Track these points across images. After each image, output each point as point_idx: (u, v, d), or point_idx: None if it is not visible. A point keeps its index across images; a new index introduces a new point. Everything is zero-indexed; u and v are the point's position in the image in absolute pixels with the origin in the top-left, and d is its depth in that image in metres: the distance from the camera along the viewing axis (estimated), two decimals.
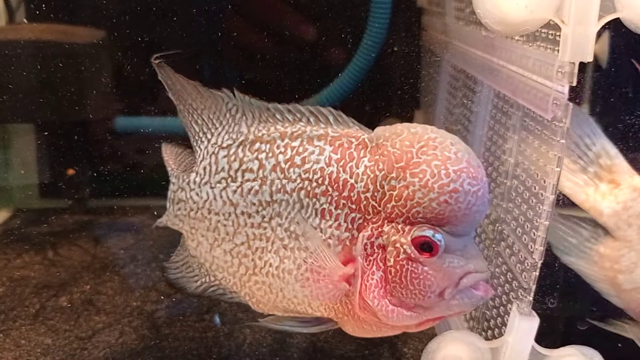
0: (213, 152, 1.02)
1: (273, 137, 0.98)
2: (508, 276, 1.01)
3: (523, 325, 0.92)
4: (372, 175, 0.90)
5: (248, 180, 0.98)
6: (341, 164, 0.93)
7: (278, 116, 1.00)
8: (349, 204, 0.92)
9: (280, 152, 0.96)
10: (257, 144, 0.99)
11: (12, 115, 1.82)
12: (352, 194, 0.91)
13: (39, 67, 1.75)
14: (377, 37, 1.79)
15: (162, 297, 1.45)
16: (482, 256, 0.91)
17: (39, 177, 1.96)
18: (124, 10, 1.77)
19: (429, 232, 0.86)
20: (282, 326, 1.04)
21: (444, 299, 0.88)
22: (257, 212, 0.98)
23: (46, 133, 1.91)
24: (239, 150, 1.00)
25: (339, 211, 0.92)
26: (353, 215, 0.92)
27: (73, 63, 1.79)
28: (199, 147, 1.04)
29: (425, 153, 0.86)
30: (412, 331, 0.97)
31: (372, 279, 0.90)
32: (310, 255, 0.94)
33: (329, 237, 0.93)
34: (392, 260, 0.88)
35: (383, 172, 0.89)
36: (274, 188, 0.96)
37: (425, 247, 0.86)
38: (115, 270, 1.58)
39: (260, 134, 0.99)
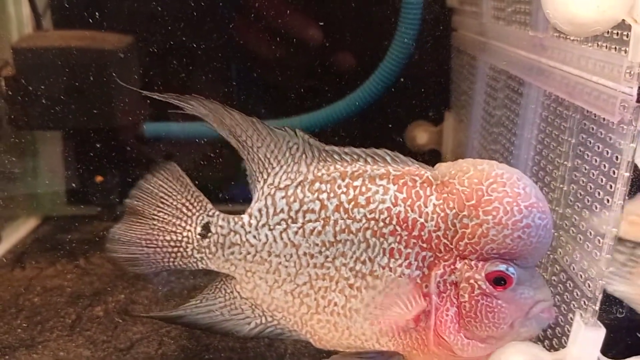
0: (269, 194, 1.01)
1: (333, 177, 0.98)
2: (568, 285, 0.97)
3: (588, 336, 0.89)
4: (442, 214, 0.91)
5: (310, 221, 0.98)
6: (408, 203, 0.93)
7: (336, 157, 0.99)
8: (420, 243, 0.92)
9: (343, 192, 0.96)
10: (317, 184, 0.98)
11: (41, 122, 1.80)
12: (422, 233, 0.92)
13: (66, 73, 1.74)
14: (407, 38, 1.76)
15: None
16: (546, 284, 0.93)
17: (67, 184, 1.94)
18: (152, 14, 1.76)
19: (502, 267, 0.88)
20: None
21: (514, 329, 0.90)
22: (320, 252, 0.98)
23: (75, 140, 1.90)
24: (298, 190, 0.99)
25: (409, 250, 0.93)
26: (424, 254, 0.92)
27: (101, 69, 1.77)
28: (254, 186, 1.03)
29: (496, 190, 0.87)
30: None
31: (447, 315, 0.91)
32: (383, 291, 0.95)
33: (400, 276, 0.94)
34: (466, 296, 0.90)
35: (454, 211, 0.90)
36: (337, 228, 0.96)
37: (499, 281, 0.88)
38: (149, 279, 1.55)
39: (319, 174, 0.99)
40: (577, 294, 0.94)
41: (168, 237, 1.08)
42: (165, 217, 1.09)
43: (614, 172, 0.85)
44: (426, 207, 0.92)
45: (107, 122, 1.82)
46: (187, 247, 1.07)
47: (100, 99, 1.79)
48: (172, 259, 1.08)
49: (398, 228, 0.93)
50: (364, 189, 0.96)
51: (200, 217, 1.06)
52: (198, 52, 1.77)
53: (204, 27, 1.77)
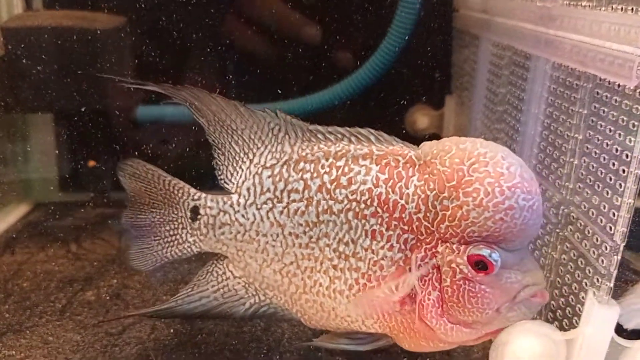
0: (256, 173, 1.00)
1: (317, 157, 0.96)
2: (579, 262, 0.93)
3: (602, 315, 0.84)
4: (422, 196, 0.87)
5: (294, 200, 0.96)
6: (390, 184, 0.90)
7: (319, 136, 0.98)
8: (401, 225, 0.90)
9: (326, 172, 0.95)
10: (302, 164, 0.97)
11: (31, 105, 1.75)
12: (403, 215, 0.89)
13: (57, 54, 1.69)
14: (407, 21, 1.71)
15: None
16: (538, 267, 0.89)
17: (59, 170, 1.89)
18: None
19: (485, 252, 0.84)
20: (337, 345, 1.03)
21: (501, 313, 0.86)
22: (305, 232, 0.96)
23: (66, 123, 1.85)
24: (284, 170, 0.98)
25: (390, 232, 0.90)
26: (405, 236, 0.90)
27: (93, 50, 1.72)
28: (240, 167, 1.02)
29: (477, 170, 0.83)
30: (470, 344, 0.96)
31: (429, 299, 0.88)
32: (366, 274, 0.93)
33: (382, 258, 0.92)
34: (448, 280, 0.86)
35: (434, 192, 0.86)
36: (320, 209, 0.95)
37: (482, 265, 0.84)
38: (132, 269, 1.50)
39: (304, 154, 0.97)
40: (589, 272, 0.89)
41: (167, 227, 1.08)
42: (159, 206, 1.09)
43: (630, 141, 0.80)
44: (407, 188, 0.89)
45: (100, 104, 1.77)
46: (182, 232, 1.07)
47: (92, 81, 1.74)
48: (170, 248, 1.08)
49: (379, 210, 0.91)
50: (346, 169, 0.94)
51: (186, 203, 1.06)
52: (191, 31, 1.72)
53: (197, 6, 1.72)
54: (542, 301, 0.88)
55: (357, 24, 1.79)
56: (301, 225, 0.97)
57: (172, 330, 1.23)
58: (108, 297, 1.36)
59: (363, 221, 0.92)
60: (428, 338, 0.93)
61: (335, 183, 0.94)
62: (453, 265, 0.86)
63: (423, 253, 0.89)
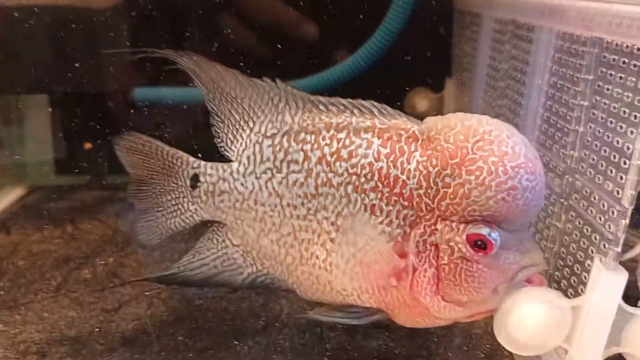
0: (257, 141, 0.98)
1: (318, 128, 0.94)
2: (585, 230, 0.91)
3: (609, 281, 0.82)
4: (424, 172, 0.86)
5: (293, 171, 0.95)
6: (391, 159, 0.88)
7: (321, 107, 0.96)
8: (401, 201, 0.88)
9: (326, 144, 0.93)
10: (302, 134, 0.95)
11: (26, 86, 1.73)
12: (404, 191, 0.87)
13: (51, 34, 1.66)
14: (406, 3, 1.69)
15: None
16: (538, 248, 0.87)
17: (55, 152, 1.87)
18: None
19: (484, 231, 0.82)
20: (332, 318, 1.01)
21: (497, 294, 0.85)
22: (303, 204, 0.94)
23: (62, 105, 1.82)
24: (284, 140, 0.96)
25: (390, 208, 0.89)
26: (405, 212, 0.88)
27: (88, 29, 1.69)
28: (240, 136, 1.00)
29: (481, 148, 0.81)
30: (464, 322, 0.94)
31: (425, 276, 0.87)
32: (363, 248, 0.91)
33: (380, 233, 0.90)
34: (445, 258, 0.85)
35: (437, 169, 0.84)
36: (319, 181, 0.93)
37: (481, 245, 0.82)
38: (140, 243, 1.48)
39: (305, 124, 0.95)
40: (596, 238, 0.87)
41: (169, 197, 1.07)
42: (159, 177, 1.07)
43: (638, 101, 0.78)
44: (409, 163, 0.87)
45: (96, 86, 1.75)
46: (183, 201, 1.05)
47: (88, 61, 1.72)
48: (174, 219, 1.07)
49: (379, 184, 0.89)
50: (347, 141, 0.92)
51: (186, 172, 1.04)
52: (189, 10, 1.70)
53: None
54: (540, 285, 0.88)
55: (356, 7, 1.77)
56: (300, 196, 0.95)
57: (169, 306, 1.22)
58: (104, 275, 1.34)
59: (362, 195, 0.91)
60: (423, 314, 0.92)
61: (335, 155, 0.92)
62: (452, 243, 0.84)
63: (422, 230, 0.87)
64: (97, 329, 1.13)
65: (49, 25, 1.66)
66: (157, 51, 1.01)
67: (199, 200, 1.03)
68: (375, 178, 0.89)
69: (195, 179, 1.04)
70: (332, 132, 0.93)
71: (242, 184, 0.99)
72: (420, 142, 0.88)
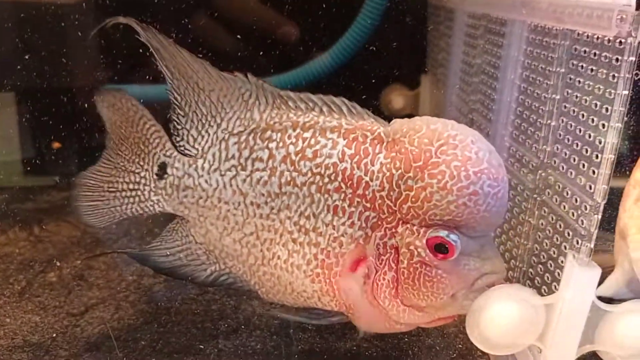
0: (223, 139, 0.95)
1: (285, 126, 0.92)
2: (558, 226, 0.89)
3: (582, 277, 0.81)
4: (387, 174, 0.84)
5: (258, 169, 0.92)
6: (355, 160, 0.86)
7: (290, 103, 0.93)
8: (364, 202, 0.86)
9: (292, 143, 0.91)
10: (269, 132, 0.93)
11: None
12: (367, 192, 0.85)
13: (19, 28, 1.62)
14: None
15: None
16: (499, 256, 0.86)
17: (22, 152, 1.82)
18: None
19: (443, 233, 0.80)
20: (293, 317, 1.01)
21: (457, 300, 0.83)
22: (266, 203, 0.92)
23: (29, 103, 1.77)
24: (250, 137, 0.93)
25: (352, 209, 0.87)
26: (367, 213, 0.86)
27: (58, 25, 1.65)
28: (206, 131, 0.97)
29: (445, 152, 0.80)
30: (424, 327, 0.93)
31: (384, 279, 0.85)
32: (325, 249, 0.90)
33: (342, 235, 0.88)
34: (405, 262, 0.83)
35: (400, 171, 0.83)
36: (283, 180, 0.91)
37: (441, 249, 0.81)
38: (108, 245, 1.44)
39: (272, 122, 0.93)
40: (569, 234, 0.86)
41: (128, 179, 1.03)
42: (124, 152, 1.03)
43: (610, 93, 0.77)
44: (373, 165, 0.86)
45: (64, 83, 1.70)
46: (144, 189, 1.01)
47: (57, 57, 1.67)
48: (130, 204, 1.03)
49: (343, 185, 0.87)
50: (312, 141, 0.90)
51: (157, 156, 1.00)
52: (163, 4, 1.66)
53: None
54: None
55: (328, 3, 1.74)
56: (263, 195, 0.93)
57: (137, 310, 1.18)
58: (71, 278, 1.30)
59: (326, 196, 0.89)
60: (383, 319, 0.90)
61: (300, 155, 0.90)
62: (411, 247, 0.83)
63: (383, 232, 0.86)
64: (60, 334, 1.09)
65: (15, 20, 1.61)
66: (118, 19, 0.98)
67: (163, 192, 1.00)
68: (339, 179, 0.88)
69: (162, 168, 1.00)
70: (298, 130, 0.91)
71: (206, 181, 0.96)
72: (385, 144, 0.86)
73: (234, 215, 0.95)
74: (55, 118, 1.73)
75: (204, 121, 0.97)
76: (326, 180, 0.88)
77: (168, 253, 1.02)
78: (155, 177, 1.00)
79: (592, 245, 0.81)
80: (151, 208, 1.02)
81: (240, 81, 0.95)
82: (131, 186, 1.02)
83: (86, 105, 1.74)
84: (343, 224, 0.88)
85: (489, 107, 1.22)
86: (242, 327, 1.12)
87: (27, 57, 1.64)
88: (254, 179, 0.93)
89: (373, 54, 1.74)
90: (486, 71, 1.25)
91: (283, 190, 0.91)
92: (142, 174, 1.01)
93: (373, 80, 1.81)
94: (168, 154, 0.99)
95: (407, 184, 0.82)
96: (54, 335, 1.09)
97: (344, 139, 0.88)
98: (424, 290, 0.83)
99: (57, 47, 1.66)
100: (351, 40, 1.72)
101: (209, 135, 0.97)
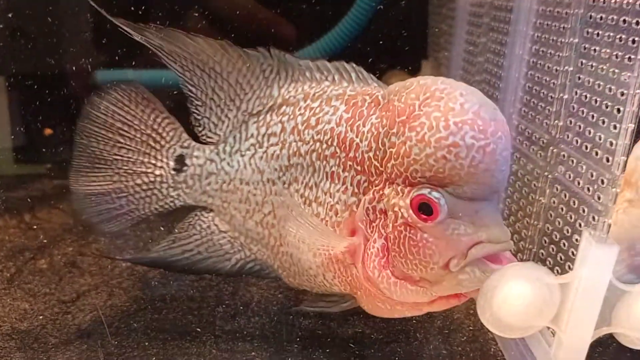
0: (243, 120, 0.93)
1: (297, 99, 0.90)
2: (572, 203, 0.85)
3: (600, 255, 0.76)
4: (375, 133, 0.79)
5: (272, 144, 0.90)
6: (350, 123, 0.82)
7: (308, 74, 0.91)
8: (355, 165, 0.81)
9: (300, 114, 0.88)
10: (284, 107, 0.90)
11: None
12: (357, 154, 0.81)
13: (10, 13, 1.57)
14: None
15: None
16: (500, 224, 0.76)
17: (13, 139, 1.77)
18: None
19: (425, 190, 0.73)
20: (315, 308, 0.97)
21: (450, 272, 0.75)
22: (279, 178, 0.89)
23: (19, 88, 1.72)
24: (268, 115, 0.91)
25: (346, 174, 0.82)
26: (359, 177, 0.81)
27: (50, 7, 1.60)
28: (226, 116, 0.94)
29: (428, 105, 0.73)
30: (428, 311, 0.85)
31: (374, 247, 0.78)
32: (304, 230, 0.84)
33: (337, 202, 0.83)
34: (390, 225, 0.76)
35: (385, 129, 0.77)
36: (291, 151, 0.88)
37: (424, 209, 0.73)
38: (101, 232, 1.40)
39: (287, 96, 0.91)
40: (584, 211, 0.81)
41: (139, 181, 0.97)
42: (131, 155, 0.97)
43: (630, 59, 0.73)
44: (364, 126, 0.81)
45: (56, 68, 1.66)
46: (161, 187, 0.97)
47: (48, 42, 1.63)
48: (147, 204, 0.99)
49: (338, 150, 0.83)
50: (318, 110, 0.87)
51: (172, 150, 0.96)
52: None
53: None
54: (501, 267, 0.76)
55: None
56: (276, 170, 0.89)
57: (131, 296, 1.14)
58: (62, 265, 1.25)
59: (324, 162, 0.85)
60: (381, 297, 0.83)
61: (305, 124, 0.87)
62: (396, 208, 0.76)
63: (372, 196, 0.79)
64: (50, 321, 1.05)
65: (4, 4, 1.56)
66: (113, 20, 0.92)
67: (184, 185, 0.96)
68: (335, 143, 0.84)
69: (179, 161, 0.96)
70: (308, 101, 0.89)
71: (228, 163, 0.93)
72: (380, 106, 0.82)
73: (254, 196, 0.92)
74: (46, 104, 1.69)
75: (222, 106, 0.94)
76: (324, 146, 0.85)
77: (184, 250, 0.98)
78: (172, 172, 0.96)
79: (610, 221, 0.77)
80: (171, 204, 0.98)
81: (262, 56, 0.92)
82: (144, 187, 0.98)
83: (78, 90, 1.71)
84: (338, 190, 0.84)
85: (495, 86, 1.17)
86: (241, 313, 1.08)
87: (17, 42, 1.60)
88: (269, 155, 0.90)
89: (373, 39, 1.70)
90: (492, 49, 1.21)
91: (291, 162, 0.87)
92: (157, 172, 0.97)
93: (372, 66, 1.76)
94: (185, 144, 0.96)
95: (391, 140, 0.76)
96: (44, 322, 1.05)
97: (345, 105, 0.85)
98: (411, 258, 0.75)
99: (49, 31, 1.62)
100: (347, 27, 1.68)
101: (229, 119, 0.94)
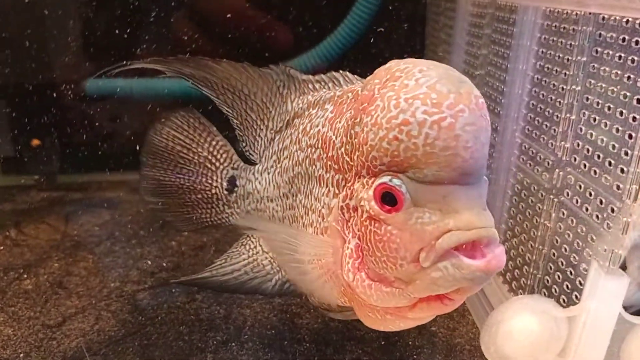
0: (272, 138, 0.92)
1: (303, 109, 0.88)
2: (579, 230, 0.81)
3: (609, 287, 0.73)
4: (346, 127, 0.73)
5: (285, 158, 0.87)
6: (331, 122, 0.77)
7: (310, 86, 0.90)
8: (333, 164, 0.75)
9: (302, 123, 0.86)
10: (295, 120, 0.89)
11: None
12: (333, 153, 0.75)
13: None
14: None
15: (145, 276, 1.24)
16: (476, 209, 0.64)
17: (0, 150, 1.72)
18: None
19: (386, 178, 0.64)
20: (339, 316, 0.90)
21: (421, 268, 0.64)
22: (290, 191, 0.86)
23: (6, 98, 1.68)
24: (285, 130, 0.90)
25: (328, 175, 0.76)
26: (337, 177, 0.74)
27: (36, 16, 1.56)
28: (259, 135, 0.94)
29: (386, 86, 0.65)
30: (412, 319, 0.74)
31: (349, 248, 0.70)
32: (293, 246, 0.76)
33: (323, 207, 0.77)
34: (359, 221, 0.68)
35: (352, 120, 0.70)
36: (293, 161, 0.85)
37: (388, 199, 0.65)
38: (89, 249, 1.36)
39: (297, 109, 0.90)
40: (592, 239, 0.78)
41: (199, 196, 1.01)
42: (190, 175, 1.01)
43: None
44: (340, 122, 0.75)
45: (44, 78, 1.62)
46: (218, 203, 1.00)
47: (34, 52, 1.58)
48: (209, 216, 1.02)
49: (321, 151, 0.78)
50: (314, 116, 0.84)
51: (225, 171, 0.99)
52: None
53: None
54: (486, 266, 0.62)
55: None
56: (287, 183, 0.87)
57: (119, 320, 1.09)
58: (48, 285, 1.21)
59: (313, 167, 0.80)
60: (368, 306, 0.74)
61: (303, 132, 0.84)
62: (363, 202, 0.68)
63: (345, 193, 0.72)
64: (34, 348, 1.00)
65: None
66: (142, 64, 0.92)
67: (235, 205, 0.98)
68: (320, 145, 0.78)
69: (231, 182, 0.98)
70: (309, 110, 0.86)
71: (259, 182, 0.93)
72: (355, 99, 0.75)
73: (277, 212, 0.90)
74: (34, 115, 1.65)
75: (255, 126, 0.94)
76: (313, 150, 0.80)
77: (233, 269, 0.97)
78: (225, 192, 0.98)
79: (621, 252, 0.73)
80: (226, 220, 1.00)
81: (275, 73, 0.91)
82: (204, 202, 1.00)
83: (66, 101, 1.66)
84: (323, 194, 0.77)
85: (497, 101, 1.13)
86: (233, 338, 1.04)
87: (2, 52, 1.56)
88: (282, 168, 0.88)
89: (367, 49, 1.67)
90: (493, 62, 1.17)
91: (295, 172, 0.84)
92: (213, 191, 0.99)
93: (368, 72, 1.73)
94: (235, 166, 0.97)
95: (355, 130, 0.69)
96: (28, 349, 1.00)
97: (333, 106, 0.80)
98: (379, 255, 0.67)
99: (35, 41, 1.58)
100: (343, 35, 1.65)
101: (261, 138, 0.94)
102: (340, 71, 0.87)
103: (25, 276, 1.24)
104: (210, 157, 0.99)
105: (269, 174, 0.91)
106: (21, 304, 1.14)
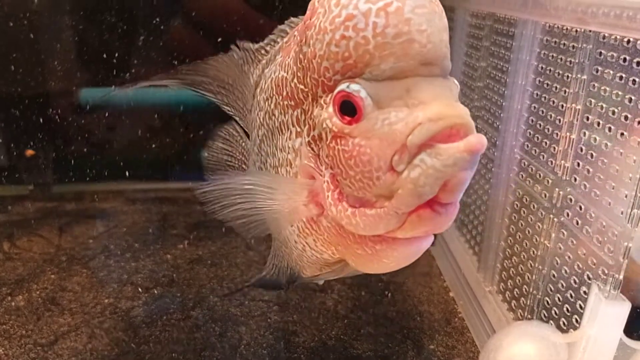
0: (250, 119, 0.89)
1: (259, 75, 0.84)
2: (579, 253, 0.80)
3: (610, 313, 0.71)
4: (294, 57, 0.67)
5: (254, 129, 0.84)
6: (280, 64, 0.73)
7: (263, 51, 0.87)
8: (289, 102, 0.69)
9: (259, 86, 0.81)
10: (256, 89, 0.84)
11: None
12: (287, 90, 0.69)
13: None
14: None
15: (140, 292, 1.23)
16: (445, 98, 0.58)
17: None
18: None
19: (343, 85, 0.59)
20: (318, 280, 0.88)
21: (399, 175, 0.57)
22: (261, 160, 0.81)
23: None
24: (256, 108, 0.85)
25: (287, 117, 0.71)
26: (295, 113, 0.69)
27: (29, 24, 1.55)
28: (247, 121, 0.91)
29: None
30: (406, 244, 0.63)
31: (325, 181, 0.65)
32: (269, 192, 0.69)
33: (289, 153, 0.71)
34: (326, 148, 0.63)
35: (300, 44, 0.65)
36: (257, 126, 0.81)
37: (349, 110, 0.59)
38: (83, 263, 1.34)
39: (256, 77, 0.85)
40: (593, 263, 0.76)
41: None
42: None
43: None
44: (289, 57, 0.70)
45: (38, 88, 1.60)
46: None
47: (28, 63, 1.57)
48: None
49: (277, 97, 0.72)
50: (267, 72, 0.79)
51: None
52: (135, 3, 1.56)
53: None
54: (467, 148, 0.54)
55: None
56: (257, 154, 0.83)
57: (113, 338, 1.08)
58: (41, 301, 1.19)
59: (273, 118, 0.74)
60: (354, 242, 0.67)
61: (261, 92, 0.80)
62: (325, 124, 0.62)
63: (307, 125, 0.67)
64: None
65: None
66: (147, 83, 0.94)
67: None
68: (274, 92, 0.74)
69: None
70: (264, 72, 0.82)
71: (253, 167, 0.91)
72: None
73: None
74: (27, 125, 1.63)
75: (246, 111, 0.91)
76: (269, 102, 0.75)
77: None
78: None
79: (621, 277, 0.71)
80: None
81: (235, 53, 0.89)
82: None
83: (59, 111, 1.65)
84: (287, 139, 0.71)
85: (495, 115, 1.12)
86: (229, 358, 1.02)
87: None
88: (253, 140, 0.85)
89: None
90: (492, 75, 1.16)
91: (260, 137, 0.81)
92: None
93: None
94: None
95: (303, 52, 0.64)
96: None
97: (282, 52, 0.76)
98: (352, 174, 0.61)
99: (28, 51, 1.56)
100: None
101: (250, 123, 0.90)
102: (285, 21, 0.82)
103: (17, 292, 1.22)
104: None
105: (254, 155, 0.86)
106: (13, 322, 1.12)
